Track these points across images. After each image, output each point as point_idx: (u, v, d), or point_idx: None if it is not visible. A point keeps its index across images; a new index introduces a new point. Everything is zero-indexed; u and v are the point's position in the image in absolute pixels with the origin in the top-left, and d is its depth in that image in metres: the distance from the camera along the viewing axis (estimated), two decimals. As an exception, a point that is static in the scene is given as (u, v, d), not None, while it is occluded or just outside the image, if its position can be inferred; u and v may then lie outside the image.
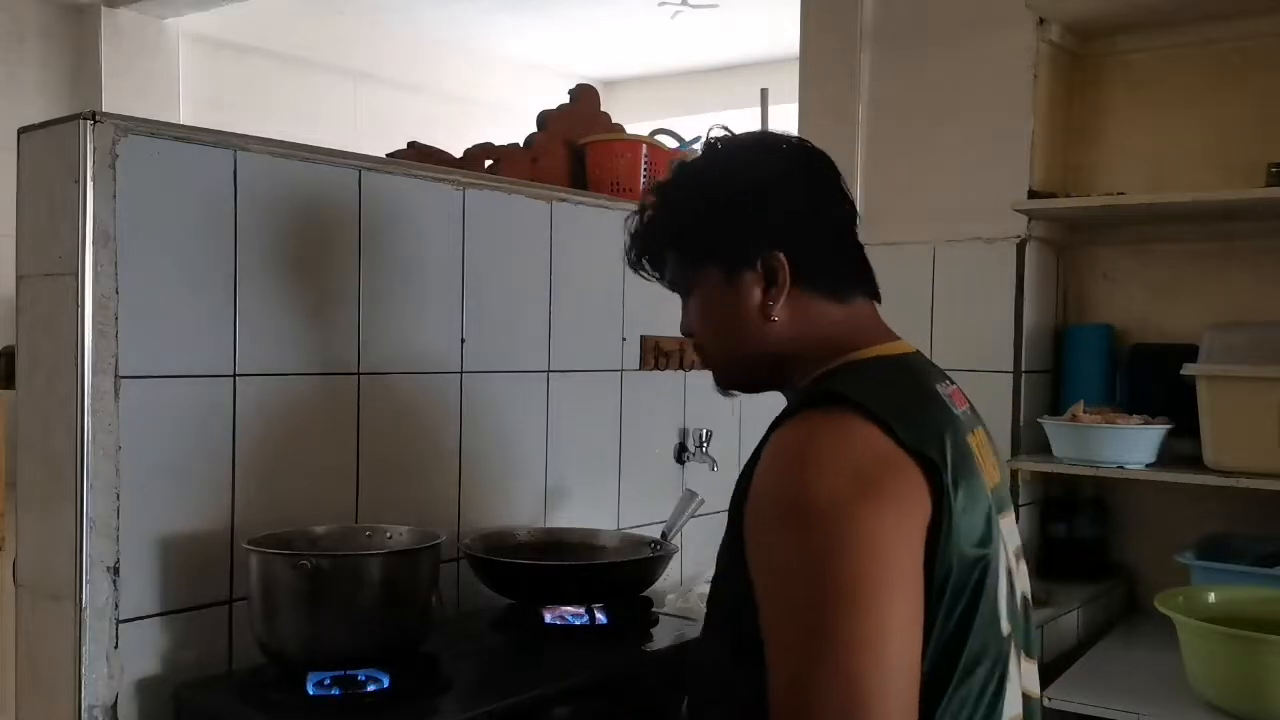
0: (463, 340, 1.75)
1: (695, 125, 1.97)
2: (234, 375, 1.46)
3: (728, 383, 1.20)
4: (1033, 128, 2.32)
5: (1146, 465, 2.13)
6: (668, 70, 6.30)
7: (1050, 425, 2.23)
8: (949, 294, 2.42)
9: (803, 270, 1.09)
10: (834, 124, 2.59)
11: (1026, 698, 1.06)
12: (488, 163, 1.95)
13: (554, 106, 2.10)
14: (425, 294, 1.70)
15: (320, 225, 1.56)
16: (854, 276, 1.14)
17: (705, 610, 1.11)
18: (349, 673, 1.33)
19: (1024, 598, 1.09)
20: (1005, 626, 1.00)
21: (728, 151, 1.17)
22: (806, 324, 1.10)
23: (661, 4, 5.26)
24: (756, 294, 1.10)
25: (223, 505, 1.45)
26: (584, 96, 2.14)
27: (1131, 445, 2.12)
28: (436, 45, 5.87)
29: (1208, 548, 2.11)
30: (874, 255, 2.54)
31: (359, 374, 1.61)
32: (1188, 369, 2.05)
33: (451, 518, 1.74)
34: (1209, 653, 1.74)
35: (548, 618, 1.62)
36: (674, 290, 1.19)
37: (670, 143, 2.16)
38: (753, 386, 1.18)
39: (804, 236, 1.11)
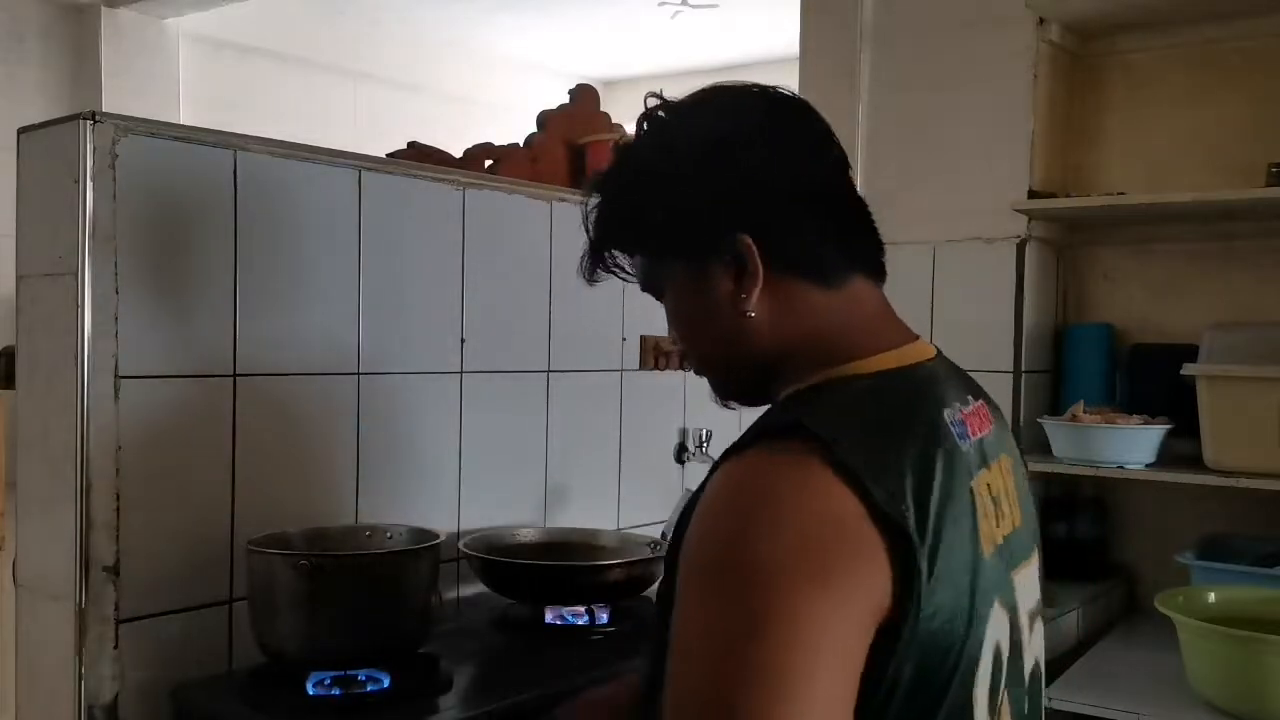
0: (463, 340, 1.75)
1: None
2: (234, 375, 1.45)
3: (722, 392, 1.03)
4: (1033, 128, 2.32)
5: (1146, 465, 2.13)
6: (668, 70, 6.30)
7: (1050, 425, 2.23)
8: (949, 294, 2.42)
9: (776, 252, 0.91)
10: (834, 124, 2.59)
11: None
12: (488, 163, 1.95)
13: (554, 106, 2.10)
14: (426, 294, 1.70)
15: (320, 225, 1.56)
16: (848, 250, 0.94)
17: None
18: (349, 673, 1.33)
19: (1033, 670, 0.95)
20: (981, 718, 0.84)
21: (669, 120, 0.98)
22: (793, 315, 0.92)
23: (661, 4, 5.26)
24: (728, 287, 0.92)
25: (223, 505, 1.45)
26: (584, 96, 2.15)
27: (1131, 445, 2.12)
28: (436, 45, 5.87)
29: (1208, 548, 2.11)
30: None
31: (359, 374, 1.61)
32: (1188, 369, 2.05)
33: (451, 518, 1.74)
34: (1209, 653, 1.74)
35: (548, 618, 1.62)
36: (646, 291, 1.02)
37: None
38: (748, 395, 1.01)
39: (774, 209, 0.91)
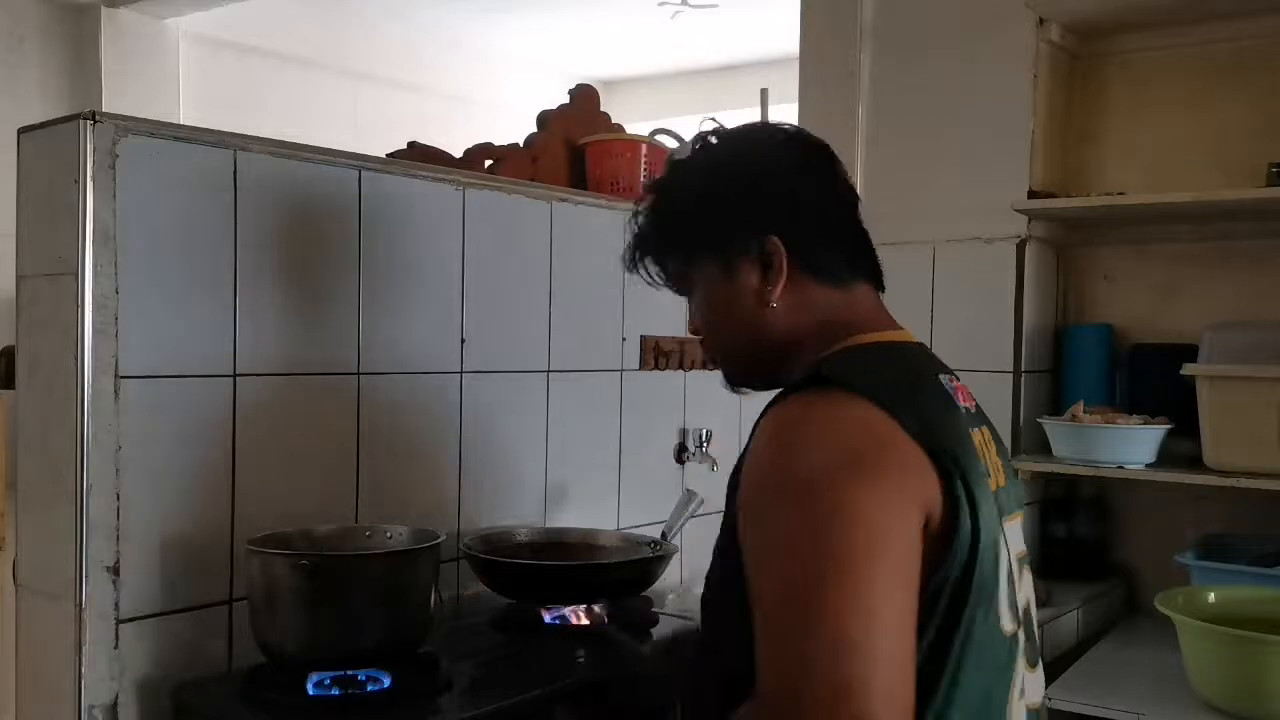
0: (463, 340, 1.75)
1: (695, 125, 1.97)
2: (234, 375, 1.45)
3: (736, 378, 1.19)
4: (1033, 128, 2.32)
5: (1146, 465, 2.13)
6: (668, 70, 6.30)
7: (1050, 425, 2.23)
8: (949, 294, 2.42)
9: (799, 254, 1.09)
10: (834, 124, 2.59)
11: (1029, 709, 1.04)
12: (488, 163, 1.94)
13: (554, 106, 2.10)
14: (425, 294, 1.70)
15: (320, 225, 1.56)
16: (854, 260, 1.13)
17: (701, 600, 1.09)
18: (349, 673, 1.33)
19: (1027, 605, 1.07)
20: (1009, 628, 0.98)
21: (718, 143, 1.17)
22: (807, 310, 1.10)
23: (661, 4, 5.26)
24: (754, 281, 1.10)
25: (223, 505, 1.45)
26: (584, 96, 2.14)
27: (1131, 445, 2.12)
28: (436, 45, 5.87)
29: (1208, 548, 2.11)
30: (874, 255, 2.44)
31: (359, 374, 1.61)
32: (1188, 369, 2.05)
33: (451, 518, 1.74)
34: (1209, 653, 1.74)
35: (547, 617, 1.62)
36: (678, 292, 1.19)
37: (670, 142, 2.16)
38: (760, 379, 1.16)
39: (799, 220, 1.10)
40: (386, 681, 1.34)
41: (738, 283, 1.11)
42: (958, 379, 1.10)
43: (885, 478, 0.89)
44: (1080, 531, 2.36)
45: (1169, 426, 2.13)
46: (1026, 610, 1.07)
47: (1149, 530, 2.37)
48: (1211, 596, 1.90)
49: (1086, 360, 2.38)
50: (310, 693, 1.31)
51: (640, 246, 1.19)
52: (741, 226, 1.10)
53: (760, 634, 0.88)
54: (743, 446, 1.01)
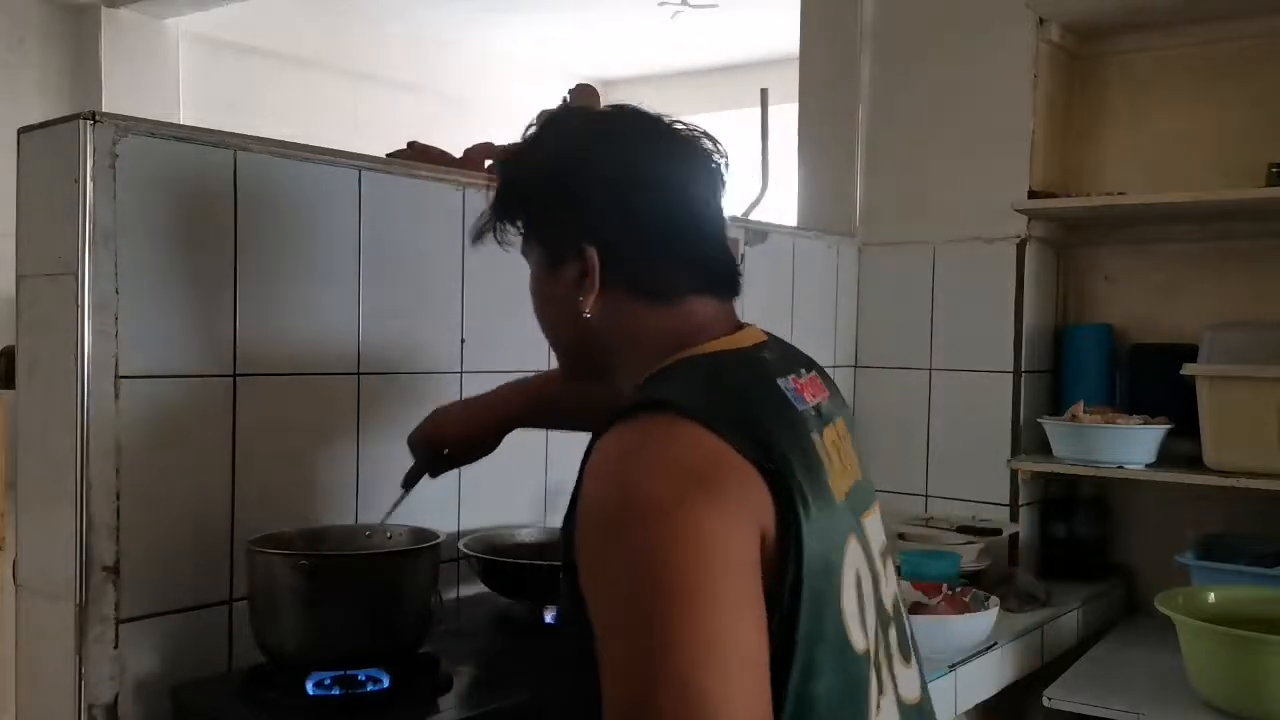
0: (463, 340, 1.75)
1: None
2: (234, 375, 1.45)
3: (563, 368, 1.16)
4: (1033, 128, 2.33)
5: (1146, 465, 2.13)
6: (668, 70, 6.31)
7: (1050, 425, 2.23)
8: (949, 294, 2.42)
9: (618, 270, 1.03)
10: (834, 124, 2.59)
11: (905, 706, 1.02)
12: (488, 163, 1.94)
13: (554, 106, 2.10)
14: (425, 294, 1.70)
15: (320, 225, 1.56)
16: (688, 277, 1.05)
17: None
18: (349, 673, 1.33)
19: (895, 600, 1.05)
20: (858, 643, 0.94)
21: (558, 131, 1.10)
22: (627, 326, 1.04)
23: (661, 4, 5.27)
24: (571, 285, 1.04)
25: (223, 505, 1.45)
26: (584, 96, 2.14)
27: (1131, 445, 2.12)
28: (436, 45, 5.88)
29: (1207, 548, 2.11)
30: (874, 255, 2.54)
31: (359, 374, 1.61)
32: (1188, 369, 2.05)
33: (451, 518, 1.74)
34: (1209, 653, 1.74)
35: (548, 617, 1.63)
36: (523, 255, 1.14)
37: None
38: (584, 375, 1.13)
39: (623, 234, 1.03)
40: (386, 681, 1.34)
41: (557, 280, 1.06)
42: (807, 373, 1.05)
43: (727, 500, 0.84)
44: (1080, 531, 2.36)
45: (1169, 426, 2.13)
46: (895, 605, 1.05)
47: (1149, 530, 2.37)
48: (1211, 596, 1.90)
49: (1086, 360, 2.38)
50: (310, 693, 1.31)
51: (487, 214, 1.14)
52: (563, 227, 1.05)
53: (607, 684, 0.82)
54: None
